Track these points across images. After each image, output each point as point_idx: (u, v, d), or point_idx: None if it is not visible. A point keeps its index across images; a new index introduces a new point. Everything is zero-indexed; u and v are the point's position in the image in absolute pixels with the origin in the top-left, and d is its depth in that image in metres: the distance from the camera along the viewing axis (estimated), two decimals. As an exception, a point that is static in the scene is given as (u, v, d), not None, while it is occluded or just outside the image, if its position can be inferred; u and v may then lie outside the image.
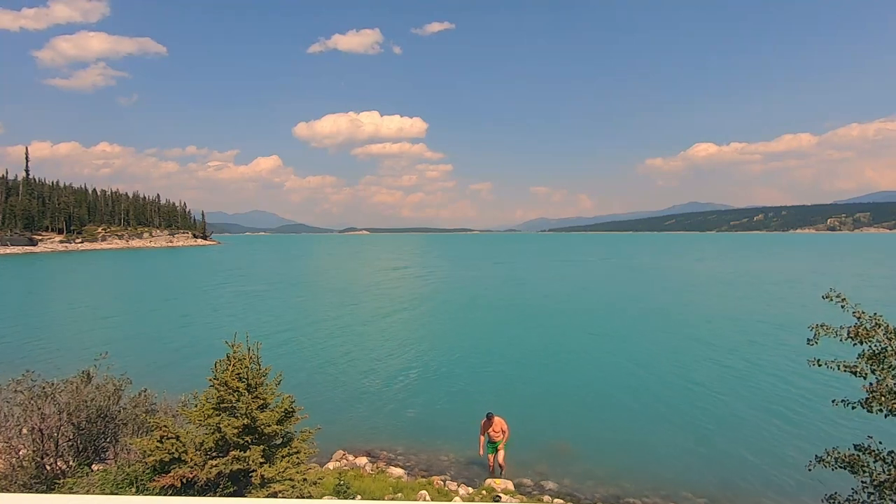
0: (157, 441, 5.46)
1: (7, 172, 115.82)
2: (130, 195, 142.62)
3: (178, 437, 5.53)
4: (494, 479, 9.44)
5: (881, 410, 4.63)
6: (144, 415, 6.75)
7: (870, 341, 4.80)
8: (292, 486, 5.47)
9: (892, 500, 4.55)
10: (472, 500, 8.58)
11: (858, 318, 4.91)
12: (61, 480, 6.22)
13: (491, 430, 9.82)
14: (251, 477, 5.50)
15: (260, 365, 6.12)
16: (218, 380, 5.89)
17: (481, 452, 10.02)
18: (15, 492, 6.05)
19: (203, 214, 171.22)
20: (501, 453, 9.86)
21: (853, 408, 4.90)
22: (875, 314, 4.90)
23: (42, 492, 6.12)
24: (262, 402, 5.85)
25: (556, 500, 8.87)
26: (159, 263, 78.12)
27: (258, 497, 5.28)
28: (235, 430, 5.56)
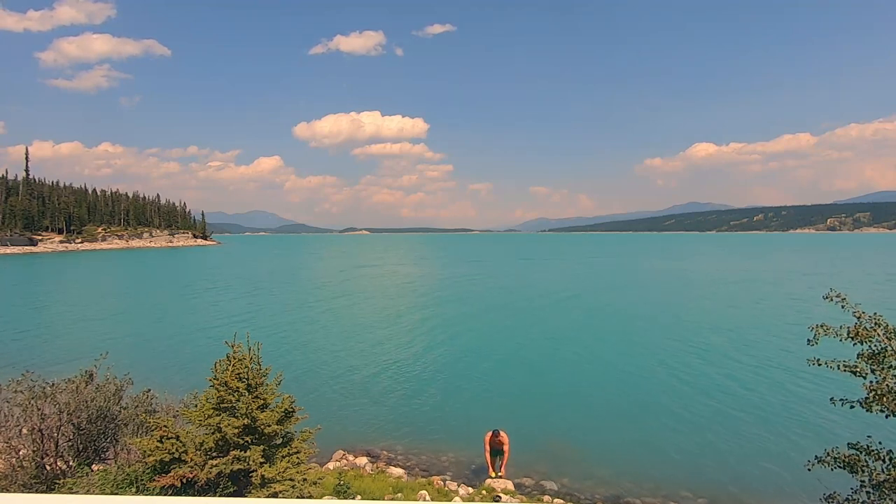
0: (158, 441, 5.46)
1: (7, 172, 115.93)
2: (130, 195, 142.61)
3: (178, 437, 5.53)
4: (494, 480, 9.43)
5: (881, 410, 4.63)
6: (145, 415, 6.75)
7: (869, 341, 4.80)
8: (292, 486, 5.47)
9: (891, 499, 4.55)
10: (472, 500, 8.58)
11: (858, 318, 4.91)
12: (61, 480, 6.22)
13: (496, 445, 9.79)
14: (251, 477, 5.50)
15: (260, 365, 6.13)
16: (218, 380, 5.89)
17: (491, 473, 9.63)
18: (15, 492, 6.05)
19: (203, 214, 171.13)
20: (501, 458, 9.84)
21: (853, 408, 4.90)
22: (875, 314, 4.90)
23: (42, 492, 6.12)
24: (262, 402, 5.85)
25: (556, 500, 8.87)
26: (159, 263, 78.07)
27: (258, 497, 5.29)
28: (236, 430, 5.56)
